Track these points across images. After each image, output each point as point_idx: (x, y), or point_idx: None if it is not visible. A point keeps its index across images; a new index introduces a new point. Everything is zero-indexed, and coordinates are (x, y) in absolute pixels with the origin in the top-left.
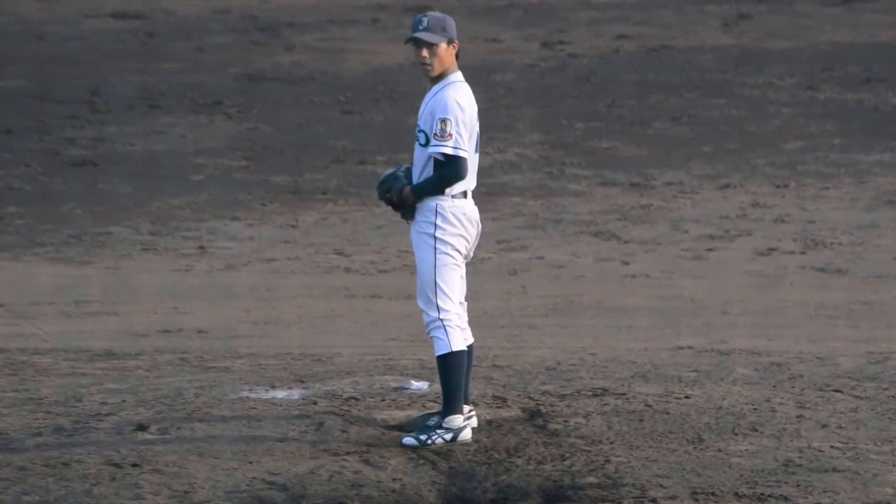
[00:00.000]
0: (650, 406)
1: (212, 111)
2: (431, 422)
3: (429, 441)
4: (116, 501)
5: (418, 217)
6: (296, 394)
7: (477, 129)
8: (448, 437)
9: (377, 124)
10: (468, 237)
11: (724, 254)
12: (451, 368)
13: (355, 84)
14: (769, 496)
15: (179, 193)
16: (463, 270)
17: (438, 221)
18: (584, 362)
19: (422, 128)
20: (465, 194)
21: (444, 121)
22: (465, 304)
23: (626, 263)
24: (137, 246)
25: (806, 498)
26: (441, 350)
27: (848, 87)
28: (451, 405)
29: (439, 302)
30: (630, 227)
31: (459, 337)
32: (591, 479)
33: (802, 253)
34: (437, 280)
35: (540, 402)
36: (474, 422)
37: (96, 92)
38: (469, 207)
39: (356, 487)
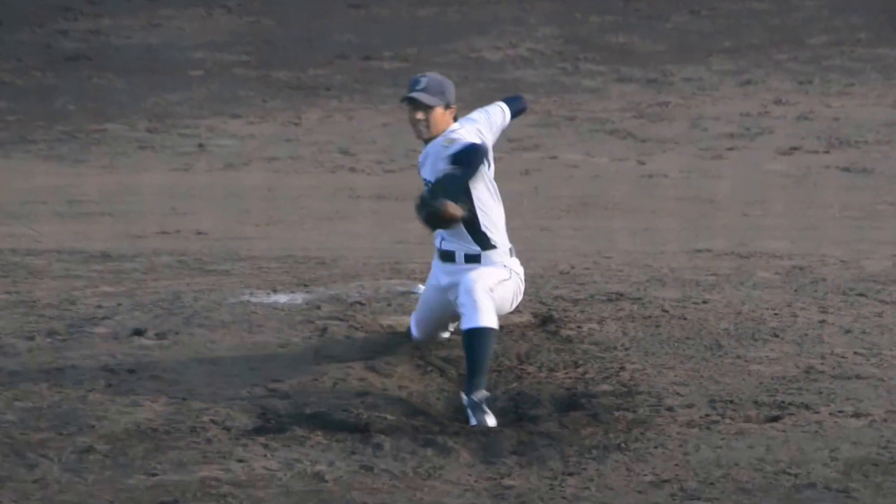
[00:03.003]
0: (667, 311)
1: (211, 3)
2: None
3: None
4: (112, 408)
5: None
6: (299, 298)
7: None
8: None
9: (384, 19)
10: None
11: (744, 153)
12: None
13: None
14: (790, 404)
15: (177, 89)
16: None
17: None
18: (599, 266)
19: (427, 178)
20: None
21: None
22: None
23: (643, 163)
24: (134, 144)
25: (828, 406)
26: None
27: None
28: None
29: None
30: (647, 125)
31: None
32: (606, 387)
33: (826, 152)
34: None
35: (552, 308)
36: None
37: None
38: None
39: (361, 395)
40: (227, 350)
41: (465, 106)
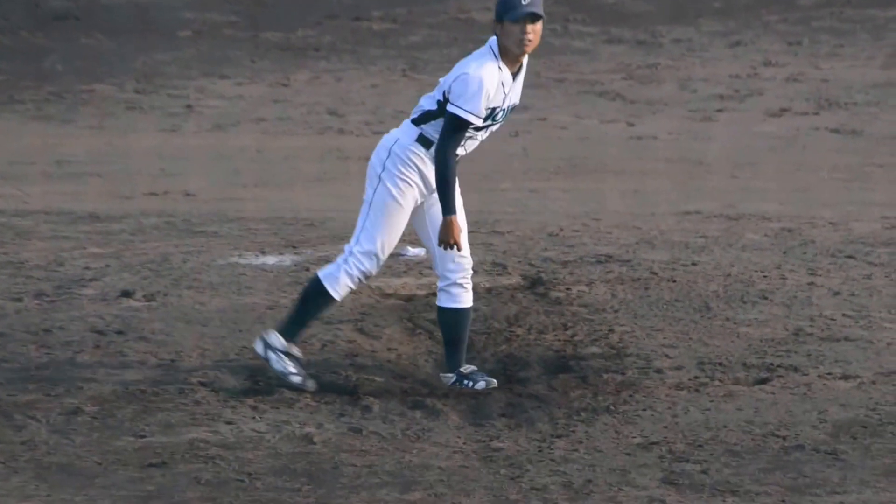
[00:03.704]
0: (656, 273)
1: None
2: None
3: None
4: (100, 370)
5: None
6: (287, 260)
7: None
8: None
9: None
10: None
11: (734, 115)
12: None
13: None
14: (779, 366)
15: (166, 49)
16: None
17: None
18: (588, 228)
19: (515, 103)
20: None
21: None
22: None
23: (632, 125)
24: (122, 104)
25: (817, 368)
26: None
27: None
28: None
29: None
30: (636, 86)
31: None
32: (595, 349)
33: (816, 113)
34: None
35: (541, 270)
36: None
37: None
38: None
39: (350, 357)
40: (215, 312)
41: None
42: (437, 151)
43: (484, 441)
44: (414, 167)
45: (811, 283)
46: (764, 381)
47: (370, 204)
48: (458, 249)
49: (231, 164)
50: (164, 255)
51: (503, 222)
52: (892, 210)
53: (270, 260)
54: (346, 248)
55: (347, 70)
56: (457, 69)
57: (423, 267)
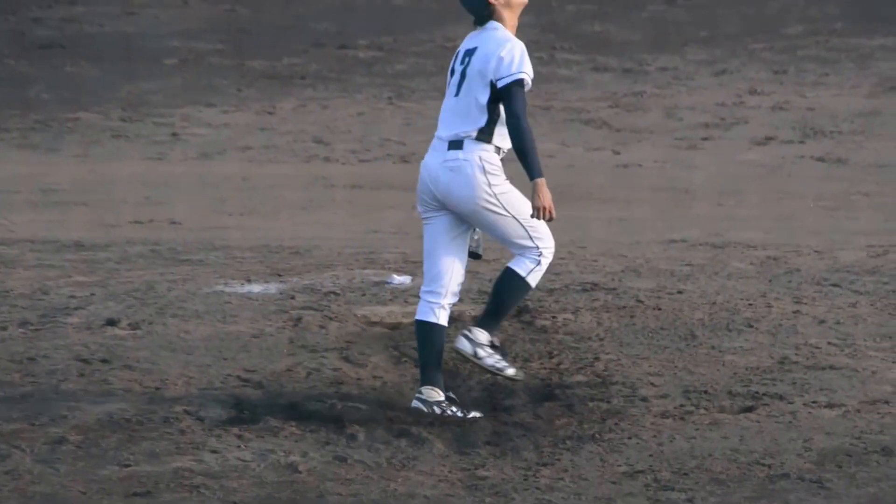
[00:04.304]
0: (641, 301)
1: None
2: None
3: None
4: (85, 399)
5: None
6: (273, 288)
7: (458, 67)
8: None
9: (359, 6)
10: (422, 190)
11: (719, 143)
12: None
13: None
14: (764, 394)
15: (152, 78)
16: (429, 227)
17: None
18: (574, 256)
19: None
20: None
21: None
22: (438, 275)
23: (618, 153)
24: (108, 132)
25: (802, 396)
26: None
27: None
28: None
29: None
30: (622, 114)
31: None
32: (580, 378)
33: (801, 142)
34: None
35: (527, 297)
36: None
37: None
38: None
39: (335, 385)
40: (200, 340)
41: (441, 95)
42: (515, 122)
43: (469, 469)
44: (503, 173)
45: (796, 312)
46: (749, 410)
47: (515, 216)
48: (552, 217)
49: (217, 193)
50: (149, 283)
51: (489, 250)
52: (877, 238)
53: (256, 288)
54: (530, 252)
55: (333, 98)
56: (490, 51)
57: (409, 295)
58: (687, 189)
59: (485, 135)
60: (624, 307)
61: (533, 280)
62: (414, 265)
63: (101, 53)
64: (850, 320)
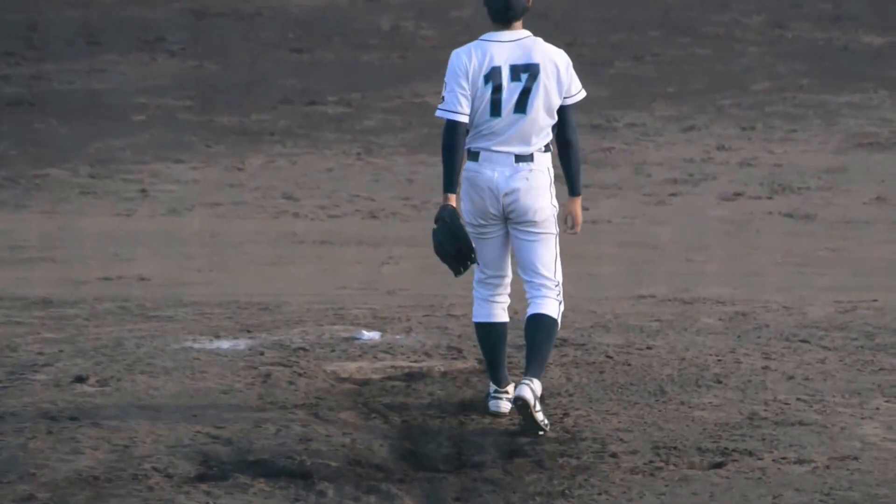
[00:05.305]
0: (611, 357)
1: (155, 48)
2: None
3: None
4: (53, 456)
5: None
6: (242, 344)
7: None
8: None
9: (328, 63)
10: (475, 202)
11: (688, 199)
12: (477, 336)
13: (305, 21)
14: (733, 450)
15: (120, 134)
16: (493, 240)
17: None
18: None
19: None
20: (475, 156)
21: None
22: (503, 277)
23: (586, 209)
24: (76, 189)
25: (771, 452)
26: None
27: (818, 24)
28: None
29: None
30: (591, 170)
31: (479, 307)
32: (549, 434)
33: (769, 198)
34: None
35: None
36: (500, 405)
37: (33, 27)
38: (472, 171)
39: (304, 442)
40: (169, 397)
41: (409, 151)
42: (576, 138)
43: None
44: None
45: (765, 367)
46: (719, 466)
47: (556, 236)
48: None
49: (185, 249)
50: (117, 339)
51: (458, 306)
52: (845, 294)
53: (225, 344)
54: (547, 282)
55: (302, 154)
56: (559, 66)
57: (378, 351)
58: (655, 245)
59: (547, 148)
60: (593, 363)
61: (560, 320)
62: (382, 321)
63: (69, 110)
64: (819, 376)
